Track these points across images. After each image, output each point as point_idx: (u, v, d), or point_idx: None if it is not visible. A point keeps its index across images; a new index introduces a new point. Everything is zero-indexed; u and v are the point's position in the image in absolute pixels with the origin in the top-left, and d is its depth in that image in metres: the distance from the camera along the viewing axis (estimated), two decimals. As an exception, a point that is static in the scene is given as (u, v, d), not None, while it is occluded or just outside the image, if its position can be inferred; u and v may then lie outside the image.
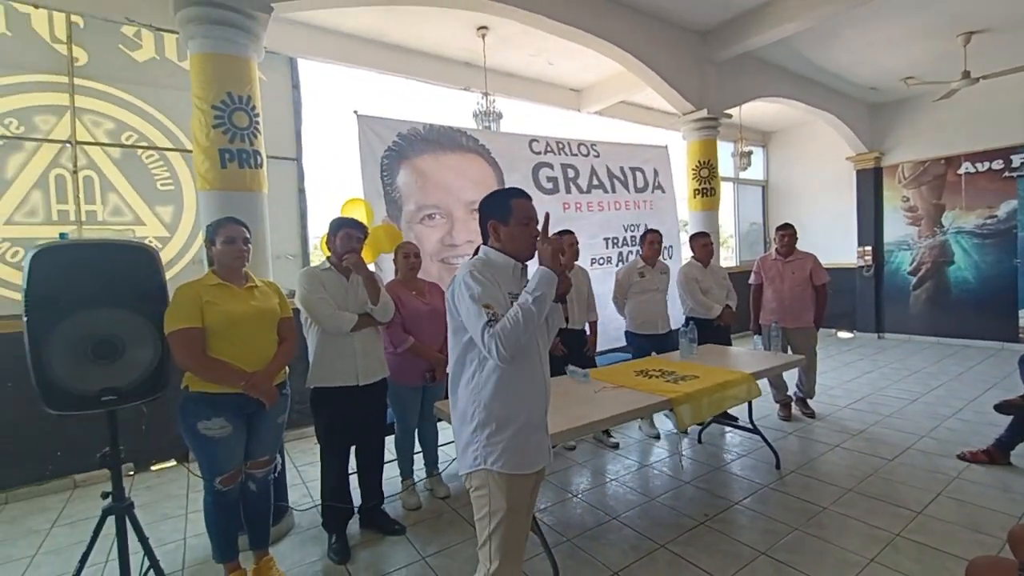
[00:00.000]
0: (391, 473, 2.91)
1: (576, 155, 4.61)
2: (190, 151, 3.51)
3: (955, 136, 6.62)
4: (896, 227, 7.21)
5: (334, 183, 4.47)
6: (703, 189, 5.14)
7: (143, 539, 1.88)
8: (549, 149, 4.44)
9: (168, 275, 1.95)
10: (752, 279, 4.21)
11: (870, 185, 7.37)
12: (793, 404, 4.08)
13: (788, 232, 3.99)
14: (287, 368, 2.22)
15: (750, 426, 3.26)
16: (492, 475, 1.43)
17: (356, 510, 2.57)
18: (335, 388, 2.34)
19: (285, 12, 3.01)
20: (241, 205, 2.54)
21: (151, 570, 1.92)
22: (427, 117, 3.88)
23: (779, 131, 8.39)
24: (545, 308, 1.40)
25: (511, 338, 1.35)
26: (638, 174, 5.03)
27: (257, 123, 2.70)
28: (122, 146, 3.51)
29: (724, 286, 3.96)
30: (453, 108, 5.43)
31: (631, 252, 4.81)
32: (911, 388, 4.71)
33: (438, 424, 2.98)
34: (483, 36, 4.55)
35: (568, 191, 4.49)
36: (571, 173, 4.54)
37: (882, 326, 7.33)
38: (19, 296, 1.70)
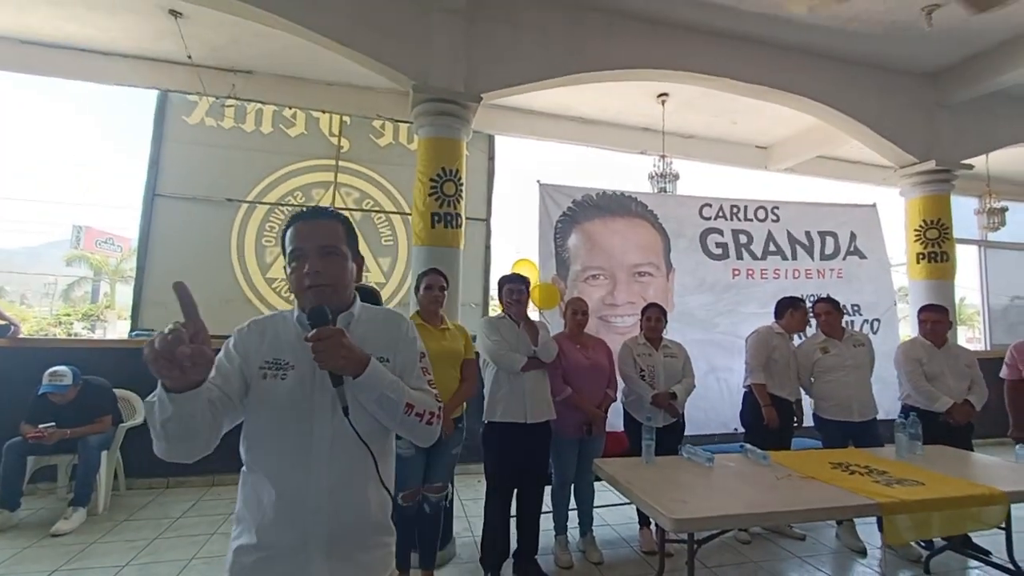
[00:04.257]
0: (547, 525, 2.93)
1: (751, 220, 4.35)
2: (407, 214, 4.32)
3: None
4: None
5: (514, 242, 4.96)
6: (930, 254, 4.28)
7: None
8: (721, 214, 4.29)
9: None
10: (1004, 372, 3.27)
11: None
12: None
13: None
14: (465, 404, 2.47)
15: (1010, 566, 2.45)
16: None
17: (512, 554, 2.64)
18: (505, 423, 2.52)
19: (490, 100, 3.58)
20: (442, 258, 3.03)
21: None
22: (603, 178, 4.13)
23: (1052, 182, 6.57)
24: (163, 430, 0.87)
25: (153, 439, 0.91)
26: (828, 239, 4.46)
27: (461, 191, 3.23)
28: (363, 210, 4.52)
29: (966, 375, 3.13)
30: (629, 169, 5.61)
31: (808, 325, 4.23)
32: None
33: (595, 483, 2.93)
34: (663, 102, 4.68)
35: (739, 257, 4.26)
36: (743, 239, 4.30)
37: None
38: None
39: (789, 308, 3.30)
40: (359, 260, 1.16)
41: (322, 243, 1.07)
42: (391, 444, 1.14)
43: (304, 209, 1.15)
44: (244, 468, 1.05)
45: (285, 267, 1.10)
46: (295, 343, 1.05)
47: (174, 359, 0.80)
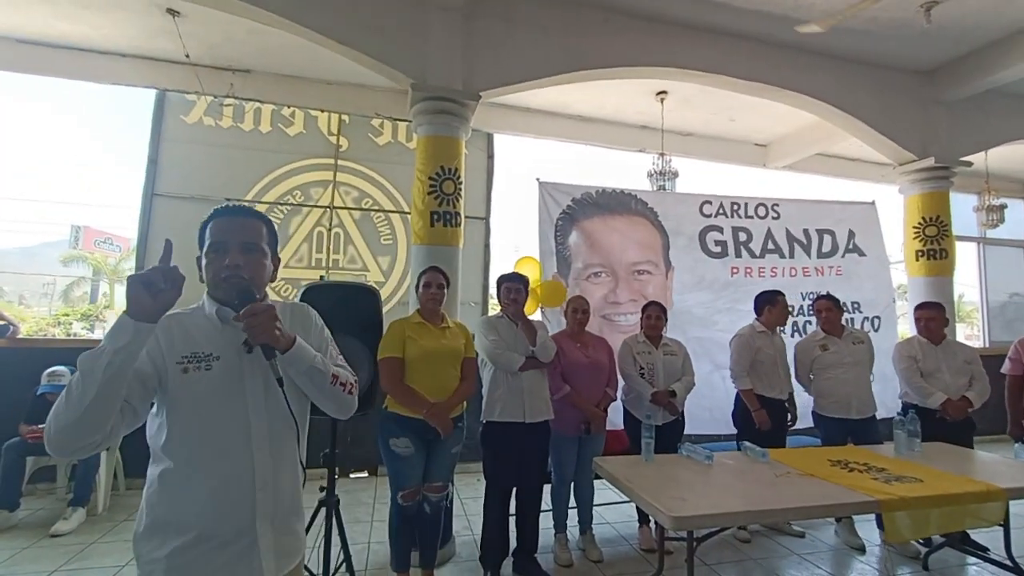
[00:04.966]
0: (546, 524, 2.93)
1: (751, 217, 4.34)
2: (407, 213, 4.31)
3: None
4: None
5: (514, 240, 4.95)
6: (929, 251, 4.28)
7: (342, 533, 2.21)
8: (721, 211, 4.27)
9: (380, 313, 2.40)
10: (1007, 367, 3.27)
11: None
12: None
13: None
14: (465, 403, 2.47)
15: (1008, 562, 2.45)
16: None
17: (512, 552, 2.64)
18: (504, 423, 2.52)
19: (489, 98, 3.57)
20: (441, 257, 3.02)
21: (344, 564, 2.23)
22: (601, 176, 4.12)
23: (1051, 179, 6.57)
24: (101, 372, 0.87)
25: (54, 420, 0.90)
26: (826, 237, 4.45)
27: (460, 189, 3.23)
28: (362, 209, 4.53)
29: (965, 372, 3.11)
30: (628, 167, 5.61)
31: (808, 322, 4.22)
32: None
33: (595, 481, 2.94)
34: (662, 100, 4.68)
35: (738, 255, 4.25)
36: (743, 236, 4.29)
37: None
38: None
39: (767, 305, 3.26)
40: (276, 260, 1.21)
41: (245, 239, 1.12)
42: (307, 422, 1.23)
43: (229, 205, 1.19)
44: (165, 469, 1.03)
45: (199, 257, 1.14)
46: (213, 335, 1.10)
47: (171, 279, 0.92)
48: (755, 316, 3.33)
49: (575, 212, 3.94)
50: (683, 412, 3.08)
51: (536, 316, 3.52)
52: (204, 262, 1.13)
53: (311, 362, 1.10)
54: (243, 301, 1.04)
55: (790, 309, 4.21)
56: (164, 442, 1.04)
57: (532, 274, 3.46)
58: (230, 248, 1.10)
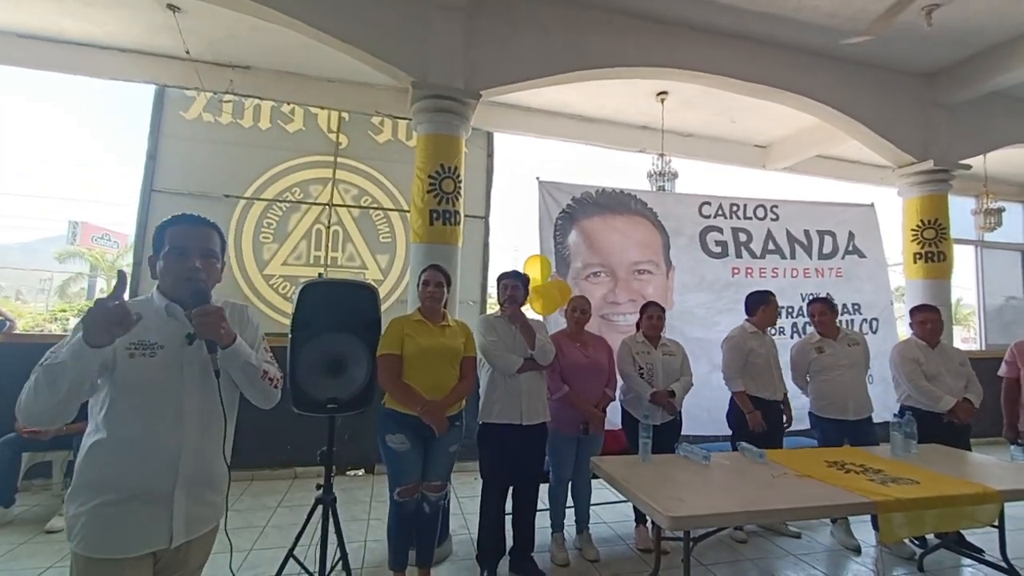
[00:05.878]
0: (543, 523, 2.93)
1: (751, 218, 4.33)
2: (406, 211, 4.31)
3: None
4: None
5: (513, 239, 4.95)
6: (927, 253, 4.29)
7: (339, 531, 2.21)
8: (720, 212, 4.27)
9: (378, 311, 2.39)
10: (1003, 370, 3.28)
11: None
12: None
13: None
14: (464, 402, 2.47)
15: (1003, 564, 2.46)
16: (74, 556, 1.17)
17: (508, 551, 2.64)
18: (500, 424, 2.52)
19: (489, 97, 3.57)
20: (441, 255, 3.02)
21: (340, 562, 2.23)
22: (601, 176, 4.11)
23: (1049, 183, 6.59)
24: (68, 382, 1.06)
25: (29, 405, 1.10)
26: (827, 238, 4.45)
27: (460, 188, 3.22)
28: (361, 207, 4.51)
29: (962, 374, 3.13)
30: (628, 168, 5.60)
31: (808, 323, 4.23)
32: None
33: (593, 481, 2.94)
34: (662, 100, 4.68)
35: (739, 255, 4.25)
36: (743, 237, 4.28)
37: None
38: (284, 319, 2.26)
39: (760, 305, 3.23)
40: (222, 265, 1.39)
41: (206, 246, 1.30)
42: (236, 414, 1.37)
43: (186, 214, 1.34)
44: (100, 439, 1.18)
45: (152, 257, 1.29)
46: (160, 326, 1.24)
47: (125, 322, 1.04)
48: (747, 316, 3.31)
49: (575, 211, 3.93)
50: (681, 412, 3.08)
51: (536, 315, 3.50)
52: (161, 263, 1.27)
53: (246, 358, 1.27)
54: (197, 301, 1.19)
55: (791, 310, 4.23)
56: (103, 416, 1.18)
57: (537, 273, 3.43)
58: (192, 253, 1.27)
